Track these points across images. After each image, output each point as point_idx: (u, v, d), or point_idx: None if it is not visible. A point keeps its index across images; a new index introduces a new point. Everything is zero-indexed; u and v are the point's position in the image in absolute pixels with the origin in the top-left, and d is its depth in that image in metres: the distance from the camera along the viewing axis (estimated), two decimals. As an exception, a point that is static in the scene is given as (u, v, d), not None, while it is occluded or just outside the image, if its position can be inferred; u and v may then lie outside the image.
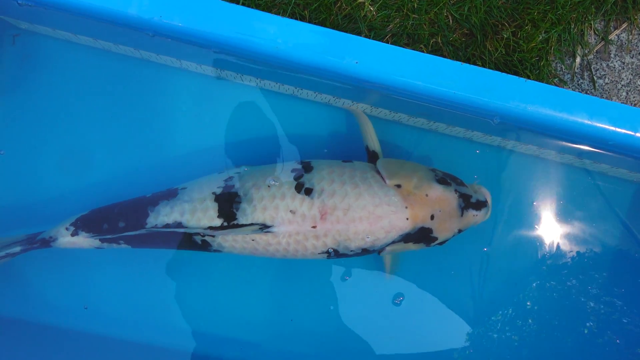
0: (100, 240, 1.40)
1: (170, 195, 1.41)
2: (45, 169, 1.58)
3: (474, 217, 1.38)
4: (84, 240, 1.40)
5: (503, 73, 1.30)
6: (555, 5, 1.59)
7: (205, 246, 1.37)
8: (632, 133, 1.31)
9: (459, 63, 1.30)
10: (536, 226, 1.61)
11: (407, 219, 1.32)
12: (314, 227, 1.31)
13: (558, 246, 1.61)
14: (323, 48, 1.30)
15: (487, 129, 1.50)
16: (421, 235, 1.36)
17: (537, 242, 1.62)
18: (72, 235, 1.39)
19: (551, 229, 1.61)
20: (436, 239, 1.37)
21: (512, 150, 1.61)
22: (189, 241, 1.37)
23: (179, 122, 1.61)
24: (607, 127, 1.32)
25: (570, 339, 1.62)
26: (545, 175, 1.62)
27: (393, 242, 1.36)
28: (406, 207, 1.32)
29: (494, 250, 1.62)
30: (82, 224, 1.40)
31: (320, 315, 1.61)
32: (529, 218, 1.61)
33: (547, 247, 1.61)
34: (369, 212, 1.32)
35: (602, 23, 1.70)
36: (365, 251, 1.37)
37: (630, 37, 1.70)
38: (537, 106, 1.31)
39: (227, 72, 1.53)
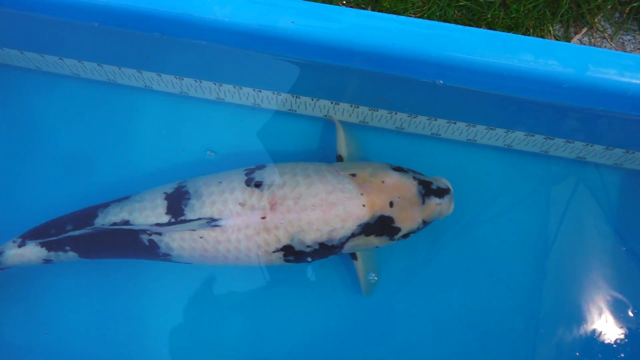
0: (47, 248, 1.31)
1: (123, 199, 1.35)
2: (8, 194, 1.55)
3: (438, 205, 1.29)
4: (31, 251, 1.32)
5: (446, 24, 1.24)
6: (509, 10, 1.58)
7: (152, 248, 1.28)
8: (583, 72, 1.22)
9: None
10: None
11: (364, 205, 1.24)
12: (263, 217, 1.23)
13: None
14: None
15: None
16: (382, 226, 1.26)
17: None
18: (19, 246, 1.32)
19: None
20: (399, 230, 1.27)
21: (478, 143, 1.56)
22: (136, 242, 1.28)
23: (144, 141, 1.59)
24: (556, 67, 1.22)
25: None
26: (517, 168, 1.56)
27: (353, 236, 1.25)
28: (362, 194, 1.24)
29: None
30: (30, 234, 1.34)
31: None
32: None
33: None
34: (322, 200, 1.23)
35: (562, 29, 1.68)
36: (324, 247, 1.26)
37: (592, 40, 1.67)
38: (480, 54, 1.23)
39: (189, 87, 1.53)
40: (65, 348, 1.47)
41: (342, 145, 1.44)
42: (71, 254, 1.31)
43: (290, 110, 1.55)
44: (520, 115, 1.47)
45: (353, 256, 1.40)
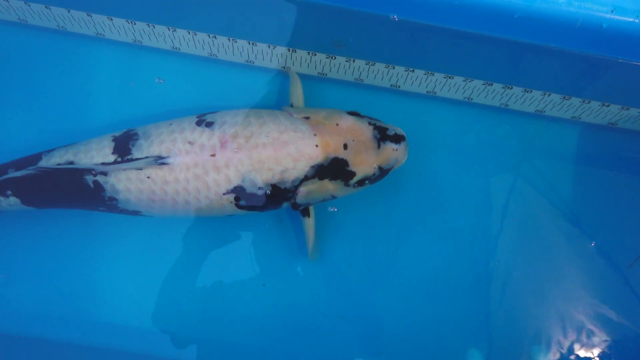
0: None
1: (70, 144, 1.29)
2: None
3: (394, 151, 1.25)
4: None
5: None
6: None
7: (97, 190, 1.22)
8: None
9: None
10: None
11: (317, 146, 1.20)
12: (212, 155, 1.18)
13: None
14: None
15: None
16: (336, 169, 1.22)
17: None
18: None
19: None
20: (354, 174, 1.24)
21: (438, 96, 1.53)
22: (80, 184, 1.22)
23: (96, 93, 1.52)
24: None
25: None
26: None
27: (306, 178, 1.21)
28: (315, 135, 1.21)
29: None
30: None
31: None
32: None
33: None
34: (274, 139, 1.19)
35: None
36: (277, 191, 1.22)
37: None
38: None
39: (142, 33, 1.47)
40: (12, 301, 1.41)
41: (299, 96, 1.40)
42: (13, 199, 1.25)
43: (247, 61, 1.50)
44: (479, 61, 1.43)
45: (305, 212, 1.36)
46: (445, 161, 1.54)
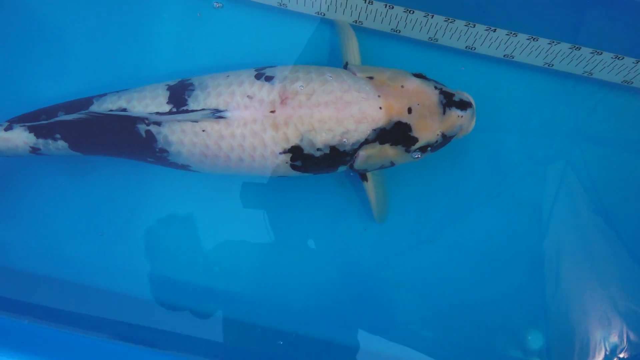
0: (35, 134, 1.18)
1: (122, 90, 1.21)
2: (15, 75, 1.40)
3: (459, 118, 1.15)
4: (18, 136, 1.19)
5: None
6: None
7: (149, 141, 1.14)
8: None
9: None
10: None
11: (381, 108, 1.10)
12: (272, 112, 1.09)
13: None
14: None
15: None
16: (399, 134, 1.12)
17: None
18: (6, 129, 1.19)
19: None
20: (416, 140, 1.14)
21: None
22: (132, 132, 1.14)
23: (151, 40, 1.43)
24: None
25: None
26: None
27: (366, 142, 1.11)
28: (379, 96, 1.11)
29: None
30: (19, 119, 1.22)
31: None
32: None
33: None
34: (336, 97, 1.09)
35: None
36: (335, 153, 1.12)
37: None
38: None
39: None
40: (54, 249, 1.36)
41: (355, 53, 1.28)
42: (61, 143, 1.19)
43: (318, 13, 1.38)
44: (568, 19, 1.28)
45: (363, 177, 1.26)
46: (515, 131, 1.40)
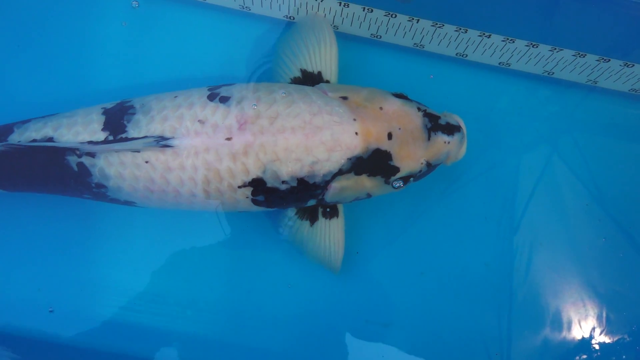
0: None
1: (48, 115, 1.01)
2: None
3: (446, 144, 0.97)
4: None
5: None
6: None
7: (83, 175, 0.94)
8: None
9: None
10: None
11: (357, 133, 0.91)
12: (228, 139, 0.89)
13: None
14: None
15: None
16: (377, 163, 0.94)
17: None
18: None
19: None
20: (398, 170, 0.95)
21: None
22: (61, 166, 0.94)
23: (83, 50, 1.21)
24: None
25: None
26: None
27: (340, 173, 0.92)
28: (354, 120, 0.92)
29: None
30: None
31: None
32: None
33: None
34: (304, 122, 0.90)
35: None
36: (303, 186, 0.93)
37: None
38: None
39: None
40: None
41: (334, 65, 1.07)
42: None
43: (287, 17, 1.19)
44: (571, 25, 1.11)
45: (332, 212, 1.06)
46: (510, 149, 1.23)
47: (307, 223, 1.06)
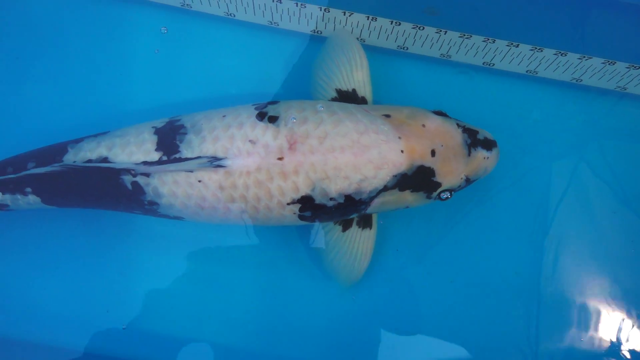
0: (1, 190, 1.01)
1: (99, 134, 1.03)
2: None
3: (485, 159, 1.00)
4: None
5: None
6: None
7: (136, 193, 0.97)
8: None
9: None
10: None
11: (402, 151, 0.93)
12: (280, 159, 0.91)
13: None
14: None
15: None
16: (421, 179, 0.96)
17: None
18: None
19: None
20: (439, 185, 0.98)
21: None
22: (116, 185, 0.97)
23: (133, 67, 1.24)
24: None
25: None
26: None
27: (385, 189, 0.95)
28: (399, 138, 0.94)
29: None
30: None
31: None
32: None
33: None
34: (353, 141, 0.92)
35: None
36: (349, 202, 0.96)
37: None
38: None
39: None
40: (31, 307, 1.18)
41: (366, 81, 1.09)
42: (32, 198, 1.01)
43: (314, 31, 1.20)
44: (600, 33, 1.14)
45: (366, 222, 1.08)
46: (538, 159, 1.25)
47: (339, 228, 1.08)
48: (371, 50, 1.21)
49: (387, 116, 0.98)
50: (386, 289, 1.20)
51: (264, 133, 0.93)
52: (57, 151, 1.01)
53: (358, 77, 1.08)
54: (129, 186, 0.96)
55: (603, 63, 1.15)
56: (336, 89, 1.07)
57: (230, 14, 1.21)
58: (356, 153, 0.92)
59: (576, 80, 1.21)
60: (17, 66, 1.22)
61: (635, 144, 1.24)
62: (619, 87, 1.20)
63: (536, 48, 1.15)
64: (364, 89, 1.08)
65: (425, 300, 1.20)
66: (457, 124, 1.00)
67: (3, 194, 1.01)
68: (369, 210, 1.01)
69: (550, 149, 1.23)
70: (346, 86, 1.08)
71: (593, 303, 1.19)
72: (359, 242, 1.08)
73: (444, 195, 1.00)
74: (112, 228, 1.18)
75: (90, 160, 0.97)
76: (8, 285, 1.17)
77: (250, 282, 1.19)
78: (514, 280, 1.20)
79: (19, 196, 1.01)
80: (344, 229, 1.08)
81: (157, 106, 1.21)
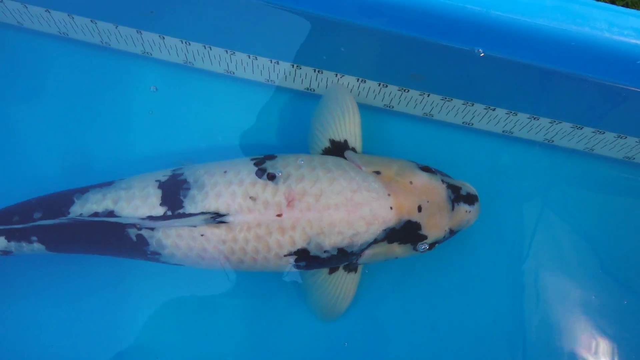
0: (6, 237, 1.05)
1: (104, 184, 1.08)
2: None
3: (467, 213, 1.08)
4: None
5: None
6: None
7: (140, 244, 1.02)
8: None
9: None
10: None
11: (391, 208, 1.01)
12: (279, 215, 0.98)
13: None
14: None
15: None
16: (408, 232, 1.04)
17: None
18: None
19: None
20: (425, 237, 1.06)
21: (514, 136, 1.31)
22: (121, 237, 1.01)
23: (134, 117, 1.30)
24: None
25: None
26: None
27: (375, 242, 1.02)
28: (389, 195, 1.02)
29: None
30: None
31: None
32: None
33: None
34: (346, 199, 0.99)
35: None
36: (342, 254, 1.03)
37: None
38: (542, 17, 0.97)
39: (192, 54, 1.25)
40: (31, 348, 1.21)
41: (357, 134, 1.17)
42: (37, 245, 1.05)
43: (307, 89, 1.28)
44: (568, 102, 1.22)
45: (352, 267, 1.15)
46: (516, 210, 1.32)
47: (326, 270, 1.14)
48: (360, 107, 1.27)
49: (378, 173, 1.05)
50: (370, 330, 1.25)
51: (263, 190, 0.99)
52: (63, 202, 1.05)
53: (350, 128, 1.16)
54: (134, 238, 1.01)
55: (572, 127, 1.24)
56: (330, 139, 1.15)
57: (230, 72, 1.28)
58: (350, 210, 0.98)
59: (548, 141, 1.30)
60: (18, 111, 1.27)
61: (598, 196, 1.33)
62: (587, 147, 1.29)
63: (511, 112, 1.23)
64: (355, 141, 1.16)
65: (407, 344, 1.26)
66: (442, 180, 1.08)
67: (8, 241, 1.05)
68: (360, 261, 1.07)
69: (520, 199, 1.31)
70: (339, 137, 1.15)
71: (572, 344, 1.26)
72: (343, 284, 1.15)
73: (421, 247, 1.07)
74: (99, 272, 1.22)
75: (96, 213, 1.02)
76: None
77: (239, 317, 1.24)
78: (493, 328, 1.26)
79: (24, 244, 1.05)
80: (330, 272, 1.14)
81: (157, 154, 1.27)
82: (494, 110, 1.24)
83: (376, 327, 1.26)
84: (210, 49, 1.23)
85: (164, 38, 1.23)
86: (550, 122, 1.24)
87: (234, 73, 1.28)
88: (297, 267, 1.04)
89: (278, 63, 1.22)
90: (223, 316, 1.23)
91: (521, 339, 1.26)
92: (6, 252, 1.07)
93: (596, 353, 1.25)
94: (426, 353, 1.25)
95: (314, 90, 1.28)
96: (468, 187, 1.11)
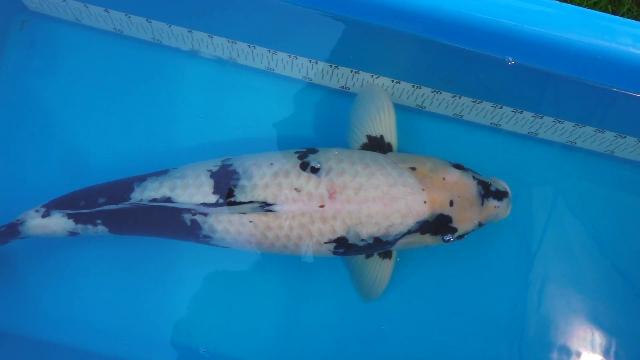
0: (74, 220, 1.14)
1: (160, 173, 1.17)
2: (44, 157, 1.36)
3: (496, 208, 1.15)
4: (56, 222, 1.15)
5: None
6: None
7: (194, 229, 1.11)
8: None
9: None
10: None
11: (425, 202, 1.09)
12: (321, 206, 1.06)
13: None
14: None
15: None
16: (439, 225, 1.12)
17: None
18: (43, 216, 1.15)
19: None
20: (455, 230, 1.14)
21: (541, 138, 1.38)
22: (177, 221, 1.11)
23: (183, 110, 1.40)
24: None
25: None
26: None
27: (409, 232, 1.10)
28: (423, 190, 1.09)
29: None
30: (56, 204, 1.17)
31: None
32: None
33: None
34: (383, 193, 1.07)
35: None
36: (378, 242, 1.11)
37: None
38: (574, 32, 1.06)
39: (237, 52, 1.34)
40: (89, 322, 1.33)
41: (392, 129, 1.25)
42: (101, 228, 1.15)
43: (343, 87, 1.36)
44: (592, 108, 1.30)
45: (387, 254, 1.24)
46: (541, 208, 1.39)
47: (362, 256, 1.24)
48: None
49: (413, 169, 1.12)
50: (398, 312, 1.35)
51: (307, 182, 1.08)
52: (124, 188, 1.14)
53: (385, 125, 1.23)
54: (188, 222, 1.10)
55: (594, 131, 1.31)
56: (367, 135, 1.23)
57: (270, 69, 1.36)
58: (386, 203, 1.07)
59: (570, 143, 1.37)
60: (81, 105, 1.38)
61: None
62: (608, 150, 1.36)
63: (537, 115, 1.30)
64: (390, 136, 1.23)
65: (429, 329, 1.35)
66: (473, 177, 1.15)
67: (76, 224, 1.14)
68: (394, 248, 1.16)
69: (541, 193, 1.38)
70: (375, 132, 1.23)
71: (575, 343, 1.33)
72: (379, 269, 1.24)
73: (446, 238, 1.15)
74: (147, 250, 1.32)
75: (155, 199, 1.11)
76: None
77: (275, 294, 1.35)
78: (510, 316, 1.35)
79: (89, 226, 1.15)
80: (367, 257, 1.23)
81: (204, 143, 1.37)
82: (521, 113, 1.31)
83: (406, 312, 1.35)
84: (254, 47, 1.31)
85: (212, 37, 1.31)
86: (574, 126, 1.31)
87: (274, 70, 1.36)
88: (336, 253, 1.13)
89: (317, 63, 1.30)
90: (265, 296, 1.34)
91: (534, 327, 1.34)
92: (74, 233, 1.17)
93: (608, 350, 1.33)
94: (448, 336, 1.34)
95: (349, 88, 1.36)
96: (498, 184, 1.18)
